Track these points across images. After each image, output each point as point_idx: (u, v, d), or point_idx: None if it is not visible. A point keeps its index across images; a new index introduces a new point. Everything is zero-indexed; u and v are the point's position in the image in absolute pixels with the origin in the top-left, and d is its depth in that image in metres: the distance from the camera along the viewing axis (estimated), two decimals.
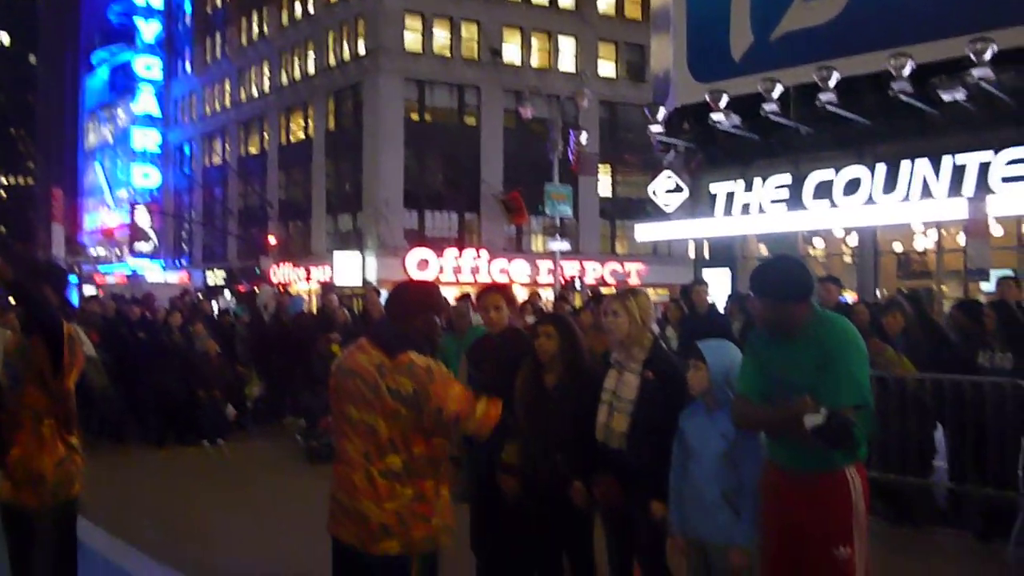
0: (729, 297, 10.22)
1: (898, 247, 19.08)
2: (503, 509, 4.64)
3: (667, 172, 21.39)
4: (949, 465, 6.96)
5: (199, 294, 21.69)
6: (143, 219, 49.99)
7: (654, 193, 21.02)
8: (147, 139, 52.13)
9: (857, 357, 3.29)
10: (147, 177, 51.89)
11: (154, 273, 47.49)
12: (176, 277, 45.11)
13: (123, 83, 55.97)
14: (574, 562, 4.47)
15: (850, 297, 13.13)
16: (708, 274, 16.73)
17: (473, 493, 4.96)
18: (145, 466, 9.67)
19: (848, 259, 19.69)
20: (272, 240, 36.85)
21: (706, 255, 21.92)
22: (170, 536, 6.77)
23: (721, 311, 9.33)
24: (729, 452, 3.69)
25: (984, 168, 15.58)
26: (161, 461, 9.97)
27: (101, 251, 59.20)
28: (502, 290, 5.00)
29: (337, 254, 34.84)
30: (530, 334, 4.61)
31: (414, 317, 3.55)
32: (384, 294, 13.95)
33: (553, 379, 4.44)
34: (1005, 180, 15.39)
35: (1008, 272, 10.79)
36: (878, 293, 17.37)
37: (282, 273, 36.96)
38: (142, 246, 50.49)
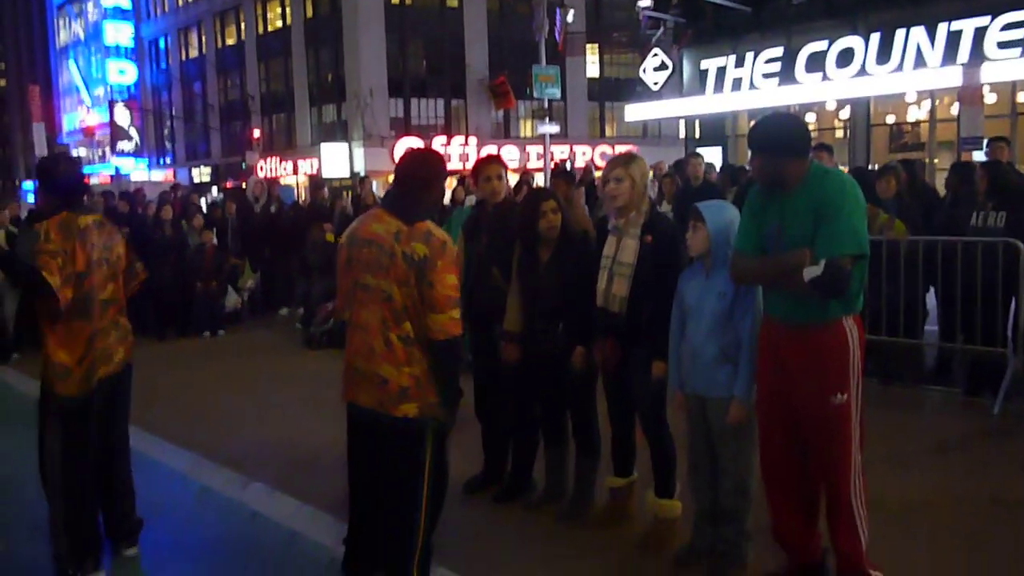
0: (721, 169, 10.18)
1: (891, 119, 18.94)
2: (505, 376, 4.76)
3: (655, 49, 20.97)
4: (939, 325, 7.12)
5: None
6: (123, 117, 48.92)
7: (643, 72, 20.64)
8: (120, 34, 50.52)
9: (855, 207, 3.30)
10: (123, 73, 50.51)
11: (139, 173, 46.85)
12: (161, 176, 44.57)
13: None
14: (577, 424, 4.61)
15: (842, 169, 13.10)
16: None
17: (476, 362, 5.06)
18: (147, 358, 9.74)
19: (840, 133, 19.56)
20: (256, 134, 36.26)
21: (697, 134, 21.74)
22: (179, 419, 6.92)
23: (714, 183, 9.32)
24: (727, 310, 3.75)
25: (980, 34, 15.33)
26: (162, 353, 10.09)
27: (83, 151, 58.21)
28: (500, 160, 4.98)
29: (324, 146, 34.39)
30: (528, 210, 4.58)
31: (431, 186, 3.58)
32: (374, 184, 13.85)
33: (548, 252, 4.49)
34: (1000, 46, 15.18)
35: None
36: (871, 167, 17.33)
37: (269, 167, 36.54)
38: (124, 145, 49.57)
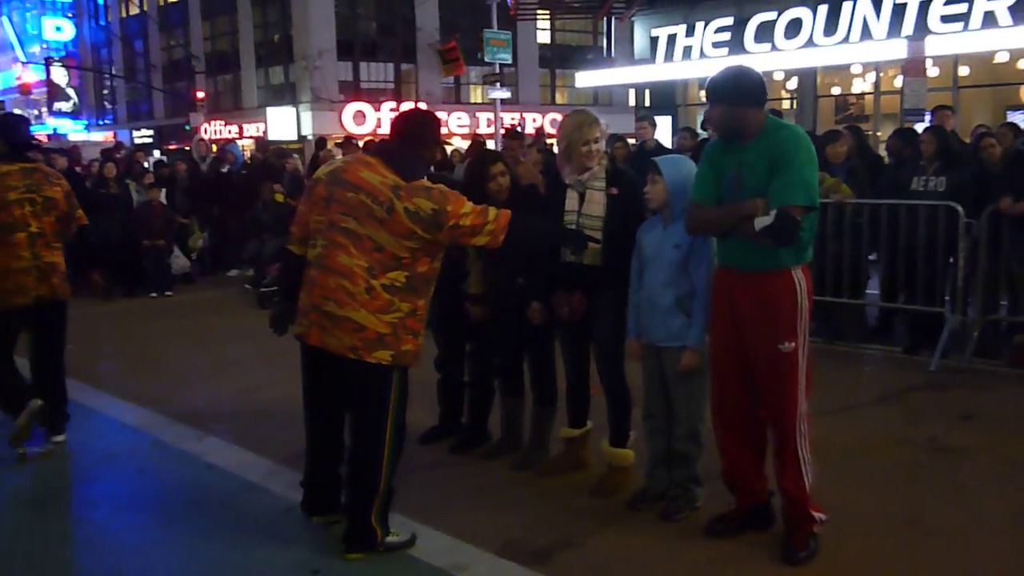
0: (681, 130, 10.33)
1: (836, 90, 19.26)
2: (467, 331, 4.85)
3: (606, 17, 20.99)
4: (881, 286, 7.35)
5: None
6: (60, 76, 47.31)
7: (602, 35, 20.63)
8: None
9: (807, 161, 3.40)
10: (60, 31, 48.69)
11: (77, 134, 45.45)
12: (101, 137, 43.28)
13: None
14: (534, 375, 4.69)
15: None
16: None
17: (438, 320, 5.09)
18: (94, 317, 9.61)
19: (787, 104, 19.82)
20: (200, 95, 35.39)
21: (647, 102, 21.86)
22: (129, 375, 6.87)
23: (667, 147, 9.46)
24: (682, 260, 3.85)
25: (924, 7, 15.64)
26: (110, 312, 9.92)
27: (18, 112, 56.19)
28: None
29: (271, 110, 33.75)
30: (476, 175, 4.61)
31: (431, 148, 3.68)
32: (334, 147, 13.60)
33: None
34: (944, 20, 15.51)
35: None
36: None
37: (213, 130, 35.77)
38: (62, 105, 48.02)
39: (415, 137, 3.61)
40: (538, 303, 4.36)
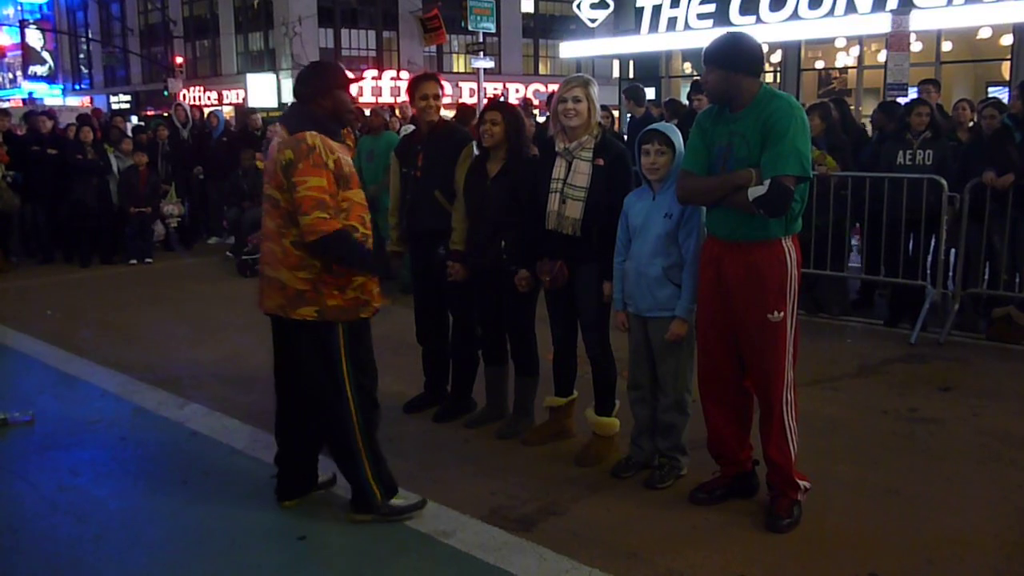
0: (666, 103, 10.27)
1: (820, 64, 19.24)
2: (446, 296, 4.82)
3: None
4: (864, 259, 7.39)
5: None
6: (35, 39, 46.43)
7: (578, 7, 20.45)
8: None
9: (800, 131, 3.39)
10: None
11: (53, 98, 44.67)
12: (77, 102, 42.58)
13: None
14: (515, 344, 4.68)
15: None
16: None
17: (416, 285, 5.08)
18: (71, 283, 9.53)
19: (771, 77, 19.78)
20: (179, 61, 34.85)
21: (631, 73, 21.73)
22: (109, 342, 6.81)
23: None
24: (672, 231, 3.84)
25: None
26: (88, 278, 9.82)
27: None
28: (437, 79, 4.91)
29: (250, 76, 33.32)
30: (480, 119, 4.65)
31: (322, 98, 3.61)
32: None
33: (496, 167, 4.50)
34: None
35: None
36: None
37: (192, 96, 35.30)
38: (37, 69, 47.20)
39: (300, 94, 3.64)
40: (526, 271, 4.36)
